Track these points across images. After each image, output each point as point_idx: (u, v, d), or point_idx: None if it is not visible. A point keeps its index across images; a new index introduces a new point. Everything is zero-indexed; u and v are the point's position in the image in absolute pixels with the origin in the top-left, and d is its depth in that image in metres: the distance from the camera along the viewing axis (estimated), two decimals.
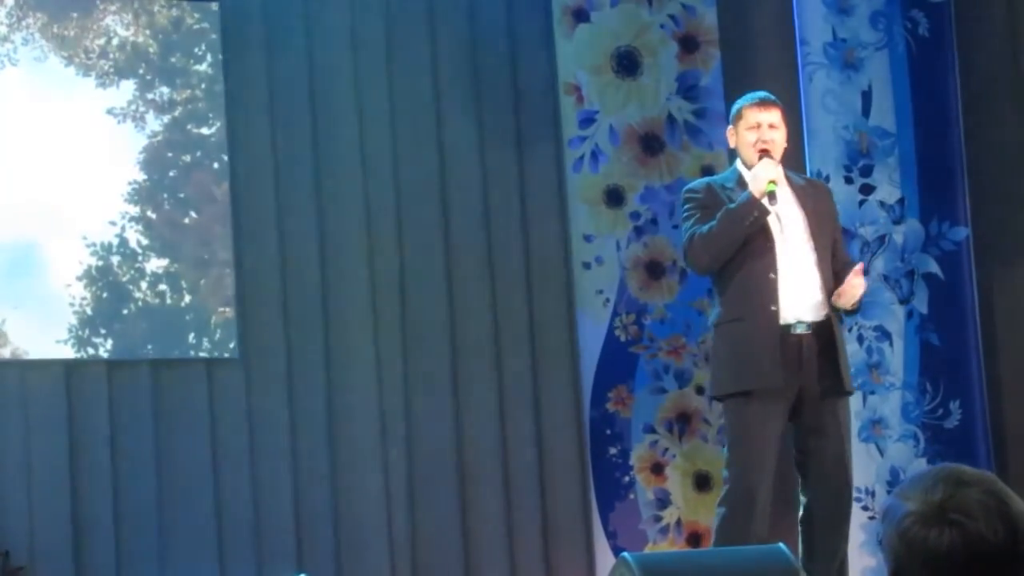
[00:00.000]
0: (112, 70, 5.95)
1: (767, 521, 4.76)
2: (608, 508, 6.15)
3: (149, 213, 5.94)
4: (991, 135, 6.38)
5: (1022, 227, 6.35)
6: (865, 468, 6.17)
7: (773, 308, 4.66)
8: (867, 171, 6.33)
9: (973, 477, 1.92)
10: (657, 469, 6.22)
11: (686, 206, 4.88)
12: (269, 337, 5.90)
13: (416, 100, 6.17)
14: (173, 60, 6.06)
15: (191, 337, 5.95)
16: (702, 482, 6.21)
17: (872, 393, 6.23)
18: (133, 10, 6.01)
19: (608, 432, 6.19)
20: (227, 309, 5.94)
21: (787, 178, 4.91)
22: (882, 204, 6.33)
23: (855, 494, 6.11)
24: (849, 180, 6.31)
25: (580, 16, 6.35)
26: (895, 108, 6.37)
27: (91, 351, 5.78)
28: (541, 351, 6.19)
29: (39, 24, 5.87)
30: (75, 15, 5.92)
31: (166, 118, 6.00)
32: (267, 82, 6.01)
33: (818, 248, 4.77)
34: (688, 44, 6.44)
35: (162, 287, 5.94)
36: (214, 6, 6.04)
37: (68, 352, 5.73)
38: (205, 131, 6.04)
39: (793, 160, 6.26)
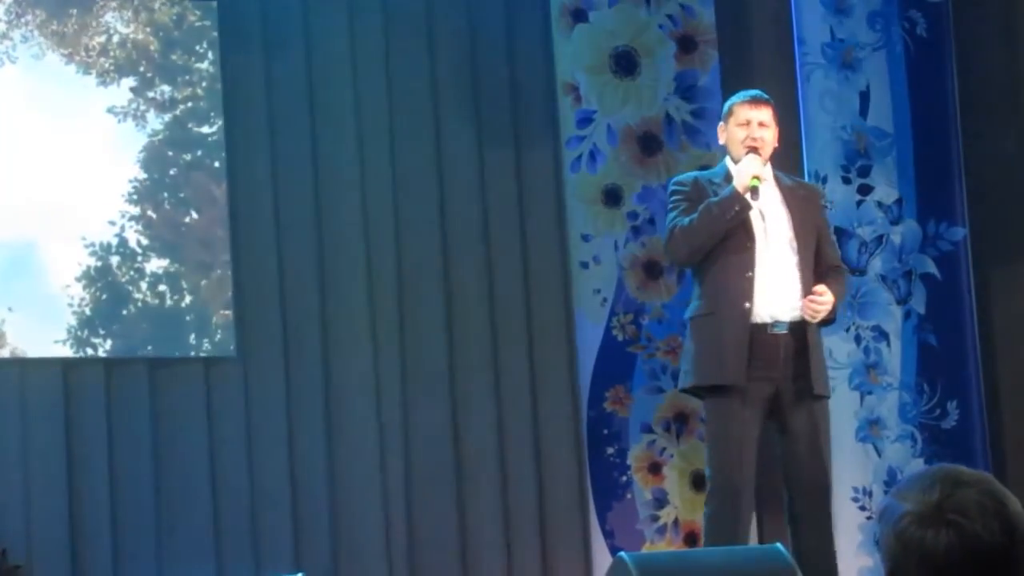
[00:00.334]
0: (112, 68, 5.91)
1: (751, 518, 4.78)
2: (605, 508, 6.15)
3: (149, 213, 5.91)
4: (989, 136, 6.38)
5: (1020, 227, 6.36)
6: (863, 468, 6.17)
7: (747, 305, 4.68)
8: (865, 171, 6.33)
9: (970, 477, 1.92)
10: (655, 469, 6.22)
11: (672, 198, 4.90)
12: (267, 336, 5.90)
13: (414, 100, 6.17)
14: (174, 57, 6.02)
15: (192, 338, 5.93)
16: (699, 482, 6.21)
17: (870, 393, 6.23)
18: (133, 7, 5.97)
19: (606, 432, 6.19)
20: (229, 311, 5.92)
21: (775, 178, 4.92)
22: (880, 204, 6.33)
23: (853, 494, 6.16)
24: (847, 180, 6.31)
25: (578, 16, 6.34)
26: (893, 108, 6.38)
27: (90, 352, 5.75)
28: (539, 351, 6.19)
29: (38, 21, 5.82)
30: (74, 12, 5.87)
31: (167, 116, 5.96)
32: (265, 82, 6.00)
33: (800, 250, 4.78)
34: (686, 44, 6.44)
35: (162, 288, 5.91)
36: (212, 4, 6.03)
37: (67, 353, 5.72)
38: (206, 129, 6.01)
39: (791, 160, 6.28)
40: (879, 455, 6.21)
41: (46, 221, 5.72)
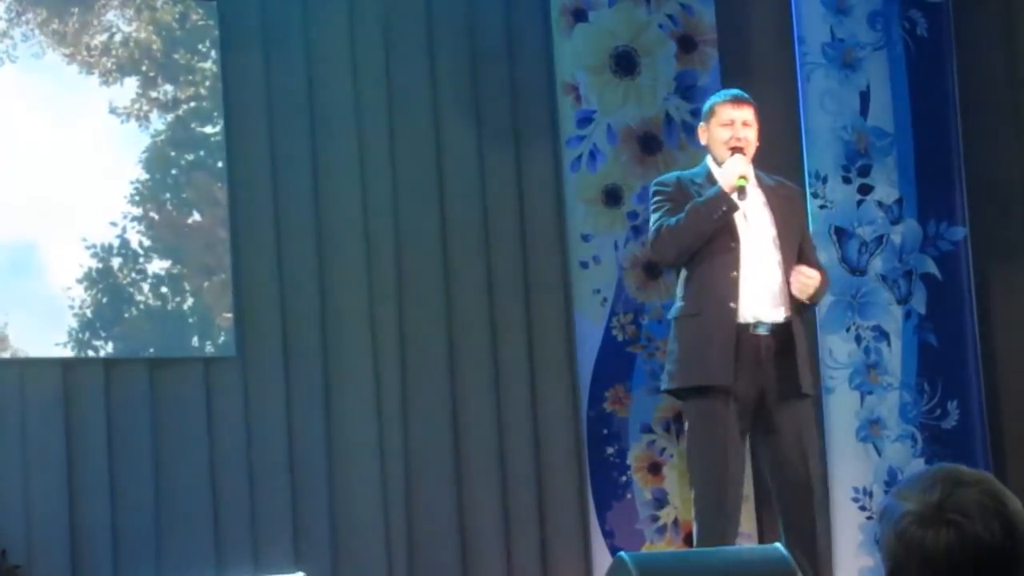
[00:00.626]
0: (114, 67, 5.87)
1: (739, 517, 4.77)
2: (605, 507, 6.15)
3: (152, 214, 5.87)
4: (989, 135, 6.39)
5: (1020, 227, 6.36)
6: (863, 468, 6.17)
7: (732, 305, 4.68)
8: (865, 171, 6.33)
9: (971, 477, 1.92)
10: (654, 469, 6.21)
11: (655, 199, 4.89)
12: (267, 335, 5.90)
13: (414, 99, 6.17)
14: (177, 57, 6.00)
15: (194, 341, 5.90)
16: None
17: (870, 393, 6.23)
18: (135, 5, 5.94)
19: (605, 432, 6.19)
20: (231, 314, 5.90)
21: (757, 178, 4.92)
22: (880, 204, 6.33)
23: (853, 494, 6.16)
24: (847, 180, 6.31)
25: (578, 16, 6.34)
26: (893, 108, 6.37)
27: (91, 354, 5.72)
28: (538, 350, 6.19)
29: (39, 19, 5.79)
30: (75, 10, 5.84)
31: (169, 116, 5.93)
32: (265, 82, 6.00)
33: (783, 250, 4.78)
34: (686, 44, 6.44)
35: (164, 289, 5.87)
36: (213, 3, 6.02)
37: (67, 355, 5.70)
38: (209, 129, 5.99)
39: (791, 160, 6.28)
40: (879, 455, 6.20)
41: (46, 222, 5.68)
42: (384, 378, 5.99)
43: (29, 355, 5.63)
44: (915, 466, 6.13)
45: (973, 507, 1.87)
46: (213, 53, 6.00)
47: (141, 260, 5.85)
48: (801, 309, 4.82)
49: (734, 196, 4.71)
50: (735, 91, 5.01)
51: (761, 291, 4.73)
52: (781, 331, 4.73)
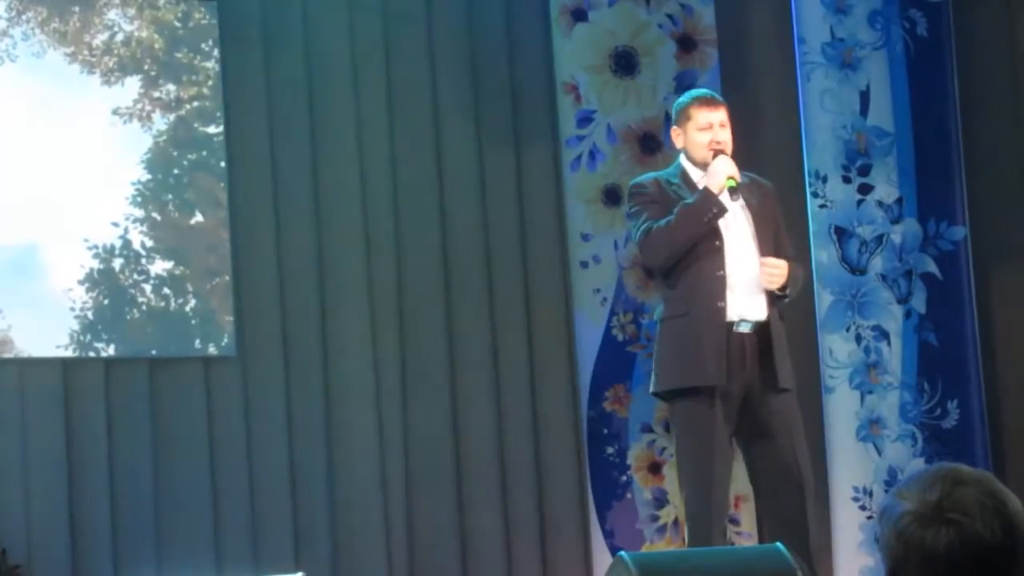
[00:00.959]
0: (116, 67, 5.84)
1: (725, 520, 4.77)
2: (605, 507, 6.15)
3: (154, 214, 5.85)
4: (989, 135, 6.39)
5: (1020, 227, 6.36)
6: (863, 468, 6.17)
7: (720, 304, 4.68)
8: (865, 170, 6.33)
9: (970, 476, 1.92)
10: (654, 468, 6.21)
11: (634, 200, 4.88)
12: (267, 336, 5.90)
13: (414, 99, 6.17)
14: (179, 56, 5.97)
15: (197, 343, 5.88)
16: None
17: (870, 393, 6.23)
18: (137, 4, 5.91)
19: (605, 431, 6.19)
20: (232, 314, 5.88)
21: None
22: (880, 204, 6.33)
23: (853, 494, 6.15)
24: (847, 180, 6.31)
25: (578, 16, 6.34)
26: (893, 108, 6.37)
27: (92, 356, 5.71)
28: (538, 350, 6.19)
29: (39, 18, 5.76)
30: (76, 9, 5.81)
31: (172, 116, 5.91)
32: (265, 82, 6.00)
33: (762, 246, 4.79)
34: (686, 44, 6.44)
35: (166, 291, 5.85)
36: (213, 3, 6.01)
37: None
38: (212, 129, 5.97)
39: (791, 159, 6.28)
40: (879, 454, 6.20)
41: (47, 222, 5.66)
42: (384, 378, 5.99)
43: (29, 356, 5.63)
44: (915, 465, 6.13)
45: (973, 506, 1.87)
46: (216, 52, 5.99)
47: (143, 261, 5.83)
48: (776, 302, 4.81)
49: (724, 198, 4.71)
50: (706, 92, 5.00)
51: (744, 289, 4.74)
52: (762, 328, 4.74)
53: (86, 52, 5.81)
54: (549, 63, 6.33)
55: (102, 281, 5.76)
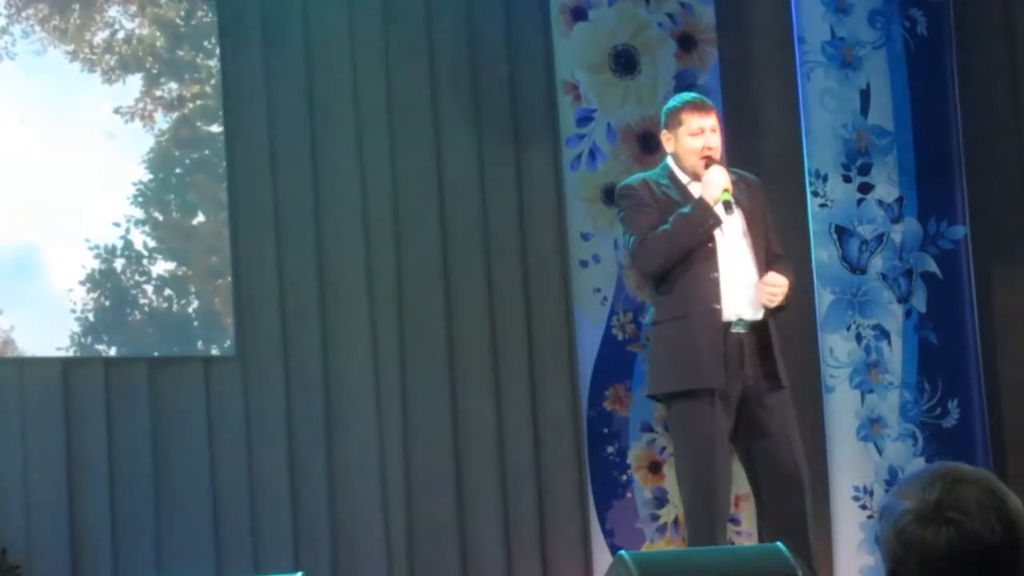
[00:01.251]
0: (117, 65, 5.81)
1: (727, 520, 4.77)
2: (605, 507, 6.15)
3: (156, 215, 5.82)
4: (989, 134, 6.39)
5: (1020, 226, 6.36)
6: (863, 467, 6.17)
7: (716, 306, 4.68)
8: (865, 170, 6.33)
9: (971, 475, 1.92)
10: (655, 468, 6.21)
11: (624, 203, 4.88)
12: (267, 335, 5.89)
13: (413, 98, 6.16)
14: (181, 54, 5.94)
15: (199, 344, 5.87)
16: None
17: (870, 392, 6.23)
18: (138, 2, 5.87)
19: (605, 431, 6.19)
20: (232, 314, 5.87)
21: None
22: (880, 203, 6.33)
23: (854, 493, 6.15)
24: (847, 179, 6.31)
25: (578, 14, 6.34)
26: (893, 107, 6.38)
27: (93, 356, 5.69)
28: (538, 349, 6.18)
29: (39, 16, 5.73)
30: (77, 6, 5.77)
31: (174, 115, 5.87)
32: (265, 81, 5.99)
33: (754, 245, 4.79)
34: (686, 43, 6.44)
35: (168, 292, 5.82)
36: (212, 2, 6.00)
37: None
38: (215, 128, 5.94)
39: (791, 158, 6.28)
40: (880, 454, 6.20)
41: (48, 223, 5.63)
42: (384, 378, 5.99)
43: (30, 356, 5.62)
44: (916, 465, 6.13)
45: (973, 505, 1.87)
46: (218, 50, 5.97)
47: (145, 262, 5.80)
48: (772, 313, 4.83)
49: (719, 209, 4.71)
50: (696, 96, 5.00)
51: (739, 289, 4.74)
52: (758, 327, 4.74)
53: (87, 50, 5.78)
54: (549, 62, 6.32)
55: (103, 282, 5.73)
